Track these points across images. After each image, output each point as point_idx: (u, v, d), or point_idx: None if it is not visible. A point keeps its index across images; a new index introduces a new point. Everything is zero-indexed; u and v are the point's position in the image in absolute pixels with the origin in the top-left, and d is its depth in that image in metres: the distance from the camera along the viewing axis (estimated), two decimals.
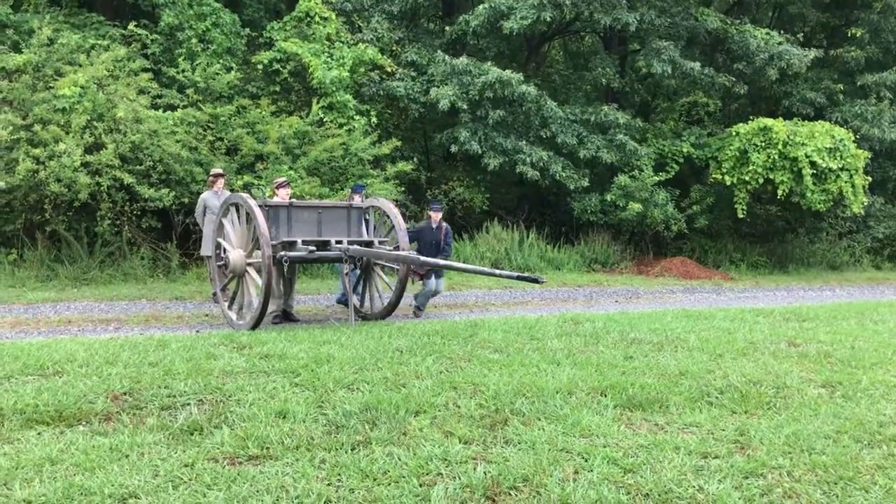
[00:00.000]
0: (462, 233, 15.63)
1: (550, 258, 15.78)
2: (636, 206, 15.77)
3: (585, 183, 16.08)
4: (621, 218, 16.27)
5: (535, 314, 9.08)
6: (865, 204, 17.22)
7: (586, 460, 4.03)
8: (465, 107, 15.23)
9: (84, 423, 4.36)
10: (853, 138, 16.81)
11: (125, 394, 4.87)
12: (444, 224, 9.78)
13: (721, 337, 7.75)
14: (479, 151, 15.36)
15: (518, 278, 8.00)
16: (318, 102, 14.00)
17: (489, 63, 15.64)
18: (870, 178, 17.50)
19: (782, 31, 18.06)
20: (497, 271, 7.87)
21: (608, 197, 16.23)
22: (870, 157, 17.53)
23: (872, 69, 19.63)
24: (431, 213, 9.73)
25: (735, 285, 14.95)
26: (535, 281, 7.98)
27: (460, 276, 13.08)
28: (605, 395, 5.28)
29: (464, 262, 13.03)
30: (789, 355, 6.93)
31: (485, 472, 3.79)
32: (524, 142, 15.74)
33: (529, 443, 4.26)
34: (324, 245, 8.30)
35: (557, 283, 13.71)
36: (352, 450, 4.02)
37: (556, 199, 17.61)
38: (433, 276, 9.51)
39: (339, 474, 3.70)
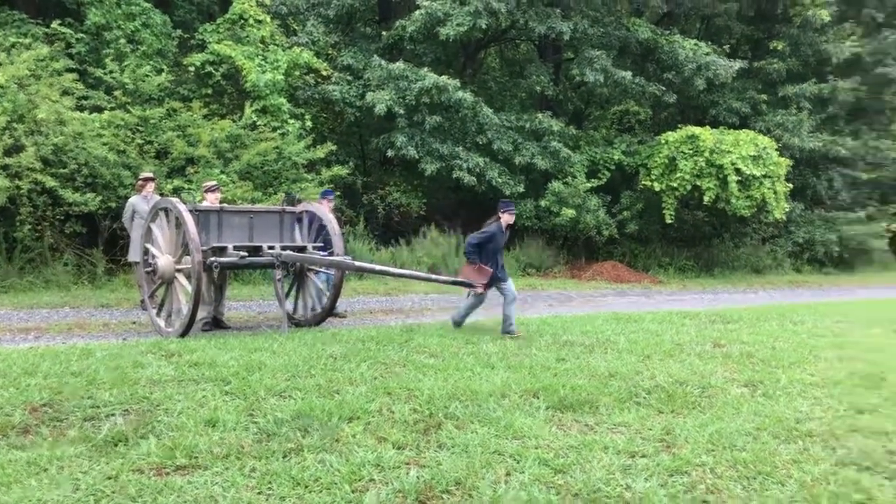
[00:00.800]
0: (399, 238, 15.63)
1: None
2: (569, 212, 16.05)
3: (521, 189, 16.29)
4: (555, 223, 16.54)
5: (471, 319, 9.13)
6: (787, 210, 17.91)
7: (518, 462, 4.08)
8: (401, 112, 15.24)
9: (0, 436, 4.19)
10: (775, 147, 17.48)
11: (45, 405, 4.69)
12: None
13: (649, 339, 7.95)
14: (416, 156, 15.39)
15: (454, 283, 8.05)
16: (251, 106, 13.80)
17: (426, 69, 15.70)
18: (791, 185, 18.21)
19: (709, 43, 18.67)
20: (434, 276, 7.93)
21: (542, 203, 16.47)
22: (791, 164, 18.25)
23: (793, 81, 20.47)
24: (504, 215, 8.26)
25: (664, 288, 15.36)
26: (471, 286, 8.04)
27: (397, 282, 13.06)
28: (538, 397, 5.36)
29: (400, 268, 13.02)
30: (714, 356, 7.16)
31: (418, 477, 3.79)
32: (461, 147, 15.85)
33: (463, 446, 4.29)
34: (255, 251, 8.17)
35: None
36: (283, 457, 3.98)
37: (493, 205, 17.74)
38: (508, 279, 8.38)
39: (270, 482, 3.65)
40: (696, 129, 17.02)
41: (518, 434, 4.55)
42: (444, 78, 15.31)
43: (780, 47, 20.41)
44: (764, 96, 19.95)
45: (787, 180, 17.85)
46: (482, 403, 5.16)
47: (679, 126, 17.88)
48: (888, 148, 22.55)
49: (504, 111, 17.27)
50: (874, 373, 6.55)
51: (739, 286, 16.81)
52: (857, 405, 5.43)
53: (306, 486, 3.62)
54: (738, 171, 16.38)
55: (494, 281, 8.12)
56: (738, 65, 18.07)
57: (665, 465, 4.06)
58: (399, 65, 15.51)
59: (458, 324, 8.49)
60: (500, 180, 15.95)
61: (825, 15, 19.76)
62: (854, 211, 21.58)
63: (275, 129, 13.86)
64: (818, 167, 21.47)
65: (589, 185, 16.68)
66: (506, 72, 21.82)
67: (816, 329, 9.36)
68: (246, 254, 7.97)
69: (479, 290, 8.01)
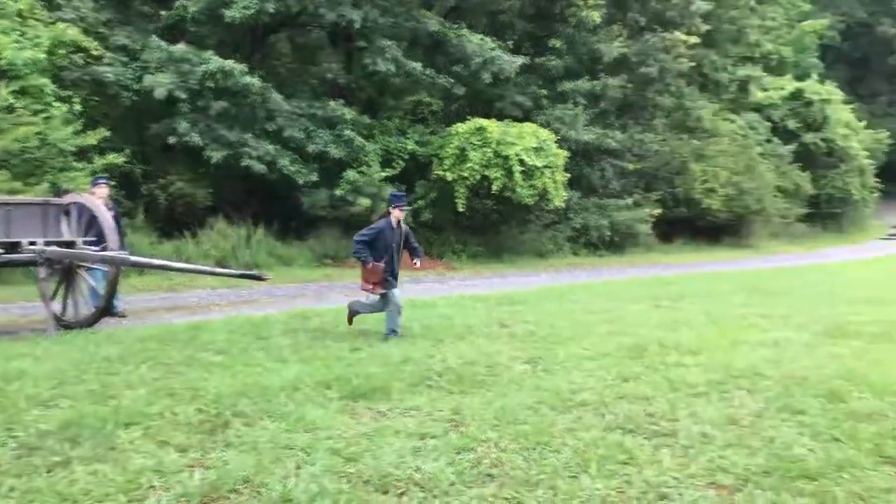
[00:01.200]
0: (184, 230, 14.79)
1: (280, 254, 15.54)
2: (365, 201, 16.09)
3: (314, 178, 16.06)
4: (351, 212, 16.50)
5: (263, 312, 8.88)
6: (565, 198, 19.21)
7: (309, 454, 4.03)
8: (184, 96, 14.42)
9: None
10: (555, 139, 18.68)
11: None
12: (405, 225, 7.92)
13: (442, 323, 8.19)
14: (201, 144, 14.63)
15: (240, 276, 7.78)
16: (7, 86, 12.35)
17: (210, 52, 14.95)
18: (569, 175, 19.54)
19: (495, 38, 19.46)
20: (218, 270, 7.59)
21: (337, 192, 16.35)
22: (568, 156, 19.59)
23: (570, 77, 21.96)
24: (394, 210, 7.60)
25: (457, 274, 15.92)
26: (258, 278, 7.81)
27: (181, 277, 12.35)
28: (331, 388, 5.32)
29: (185, 262, 12.32)
30: (501, 336, 7.53)
31: (202, 479, 3.64)
32: (250, 135, 15.30)
33: (251, 444, 4.17)
34: (13, 247, 7.34)
35: (287, 279, 13.54)
36: (48, 472, 3.64)
37: (286, 194, 17.37)
38: (397, 287, 7.63)
39: (32, 501, 3.33)
40: (484, 122, 17.75)
41: (310, 427, 4.49)
42: (230, 62, 14.67)
43: (558, 45, 21.80)
44: (544, 91, 21.21)
45: (565, 170, 19.12)
46: (273, 398, 5.03)
47: (468, 118, 18.53)
48: (651, 141, 24.94)
49: (295, 98, 16.90)
50: (638, 343, 7.21)
51: (525, 270, 17.81)
52: (623, 374, 5.94)
53: (75, 501, 3.34)
54: (521, 161, 17.31)
55: (393, 282, 7.49)
56: (520, 60, 19.03)
57: (453, 444, 4.19)
58: (181, 47, 14.64)
59: (352, 316, 7.81)
60: (292, 169, 15.62)
61: (596, 16, 21.36)
62: (623, 198, 23.61)
63: (36, 113, 12.52)
64: (592, 158, 23.24)
65: (384, 174, 16.82)
66: (297, 58, 21.36)
67: (590, 306, 10.15)
68: (2, 251, 7.14)
69: (379, 291, 7.34)
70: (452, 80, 18.45)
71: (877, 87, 51.89)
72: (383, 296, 7.45)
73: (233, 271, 7.91)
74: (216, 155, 14.66)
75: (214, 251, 14.33)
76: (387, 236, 7.48)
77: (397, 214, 7.56)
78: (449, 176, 17.34)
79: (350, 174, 16.33)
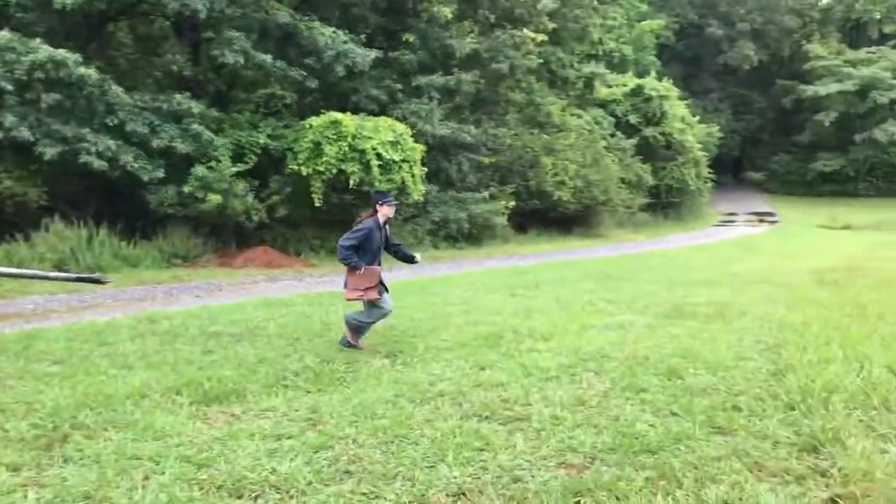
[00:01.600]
0: (14, 232, 13.64)
1: (126, 255, 14.66)
2: (216, 198, 15.49)
3: (161, 174, 15.26)
4: (201, 210, 15.83)
5: (107, 317, 8.36)
6: (424, 192, 19.39)
7: (158, 463, 3.87)
8: (10, 88, 13.26)
9: None
10: (411, 133, 18.79)
11: None
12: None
13: (299, 321, 8.05)
14: (32, 139, 13.53)
15: (77, 280, 7.27)
16: None
17: (38, 40, 13.84)
18: (426, 169, 19.75)
19: (347, 31, 19.29)
20: (52, 274, 7.07)
21: (186, 188, 15.64)
22: (425, 150, 19.78)
23: (424, 72, 22.15)
24: (383, 207, 6.92)
25: (316, 271, 15.68)
26: (97, 282, 7.34)
27: (13, 283, 11.38)
28: (181, 394, 5.11)
29: (17, 267, 11.35)
30: None
31: (37, 498, 3.41)
32: (88, 129, 14.30)
33: (94, 457, 3.94)
34: None
35: (134, 281, 12.81)
36: None
37: (130, 192, 16.41)
38: (386, 292, 6.94)
39: None
40: (339, 115, 17.55)
41: (158, 435, 4.30)
42: (62, 51, 13.64)
43: (411, 40, 21.93)
44: (399, 85, 21.27)
45: (423, 164, 19.30)
46: (118, 408, 4.78)
47: (323, 111, 18.27)
48: (504, 136, 25.67)
49: (138, 91, 15.98)
50: (495, 332, 7.42)
51: (385, 264, 17.80)
52: (480, 363, 6.10)
53: None
54: (379, 155, 17.28)
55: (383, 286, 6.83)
56: (374, 54, 18.98)
57: (311, 443, 4.14)
58: (4, 34, 13.44)
59: (353, 337, 6.81)
60: (136, 165, 14.76)
61: (447, 12, 21.66)
62: (479, 192, 24.15)
63: None
64: (449, 152, 23.60)
65: (235, 169, 16.25)
66: (139, 49, 20.22)
67: (449, 298, 10.32)
68: None
69: (373, 296, 6.66)
70: (305, 73, 18.12)
71: (708, 84, 56.26)
72: (371, 302, 6.77)
73: (69, 275, 7.37)
74: (49, 151, 13.60)
75: (51, 254, 13.28)
76: (375, 237, 6.82)
77: (386, 212, 6.89)
78: (304, 170, 17.02)
79: (199, 170, 15.66)
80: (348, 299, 6.79)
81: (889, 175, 51.40)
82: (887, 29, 55.21)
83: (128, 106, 14.90)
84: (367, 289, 6.62)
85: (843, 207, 43.67)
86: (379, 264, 6.82)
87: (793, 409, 4.77)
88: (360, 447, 4.10)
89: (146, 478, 3.70)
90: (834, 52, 52.77)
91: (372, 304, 6.77)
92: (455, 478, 3.70)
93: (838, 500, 3.48)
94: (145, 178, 14.93)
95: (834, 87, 48.19)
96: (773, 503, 3.44)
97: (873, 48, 52.37)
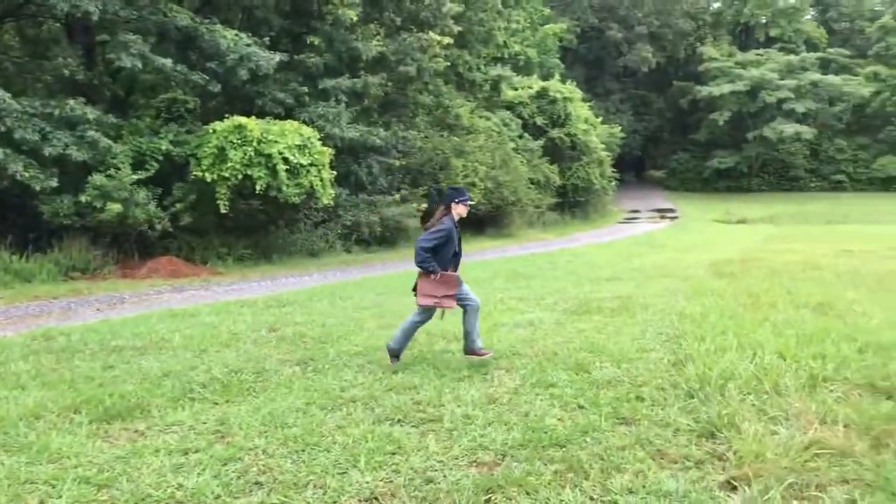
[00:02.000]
0: None
1: (18, 269, 13.88)
2: (115, 207, 14.88)
3: (54, 183, 14.53)
4: (100, 220, 15.18)
5: None
6: (333, 195, 19.19)
7: (55, 486, 3.70)
8: None
9: None
10: (318, 136, 18.56)
11: None
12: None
13: (206, 332, 7.83)
14: None
15: None
16: None
17: None
18: (335, 172, 19.56)
19: (251, 34, 18.90)
20: None
21: (83, 198, 14.96)
22: (333, 153, 19.59)
23: (331, 75, 21.94)
24: (458, 206, 6.51)
25: (223, 280, 15.27)
26: None
27: None
28: (79, 412, 4.89)
29: None
30: (269, 340, 7.36)
31: None
32: None
33: None
34: None
35: (27, 297, 12.16)
36: None
37: (21, 202, 15.57)
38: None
39: None
40: (244, 119, 17.17)
41: (55, 456, 4.11)
42: None
43: (316, 42, 21.68)
44: (305, 88, 20.99)
45: (332, 168, 19.10)
46: (9, 430, 4.54)
47: (227, 116, 17.84)
48: (414, 138, 25.72)
49: (27, 96, 15.19)
50: None
51: (297, 270, 17.54)
52: (393, 366, 6.09)
53: None
54: (286, 160, 17.00)
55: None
56: (278, 57, 18.66)
57: (219, 456, 4.05)
58: None
59: (396, 354, 6.25)
60: (26, 174, 14.00)
61: (352, 15, 21.54)
62: (391, 194, 24.12)
63: None
64: (358, 155, 23.45)
65: (136, 176, 15.66)
66: (27, 52, 19.21)
67: (361, 303, 10.26)
68: None
69: (450, 304, 6.15)
70: (207, 78, 17.65)
71: (609, 85, 58.11)
72: (425, 310, 6.26)
73: None
74: None
75: None
76: (454, 238, 6.37)
77: (461, 211, 6.49)
78: (208, 176, 16.57)
79: (97, 178, 15.02)
80: (421, 305, 6.23)
81: (779, 171, 54.56)
82: (773, 32, 58.50)
83: (16, 112, 14.13)
84: (444, 296, 6.12)
85: (738, 202, 46.08)
86: (455, 269, 6.40)
87: (692, 397, 4.98)
88: (270, 457, 4.03)
89: (41, 502, 3.53)
90: (725, 54, 55.55)
91: (424, 313, 6.30)
92: (367, 483, 3.68)
93: (734, 481, 3.66)
94: (37, 188, 14.20)
95: (727, 88, 50.67)
96: (675, 489, 3.58)
97: (761, 50, 55.38)
